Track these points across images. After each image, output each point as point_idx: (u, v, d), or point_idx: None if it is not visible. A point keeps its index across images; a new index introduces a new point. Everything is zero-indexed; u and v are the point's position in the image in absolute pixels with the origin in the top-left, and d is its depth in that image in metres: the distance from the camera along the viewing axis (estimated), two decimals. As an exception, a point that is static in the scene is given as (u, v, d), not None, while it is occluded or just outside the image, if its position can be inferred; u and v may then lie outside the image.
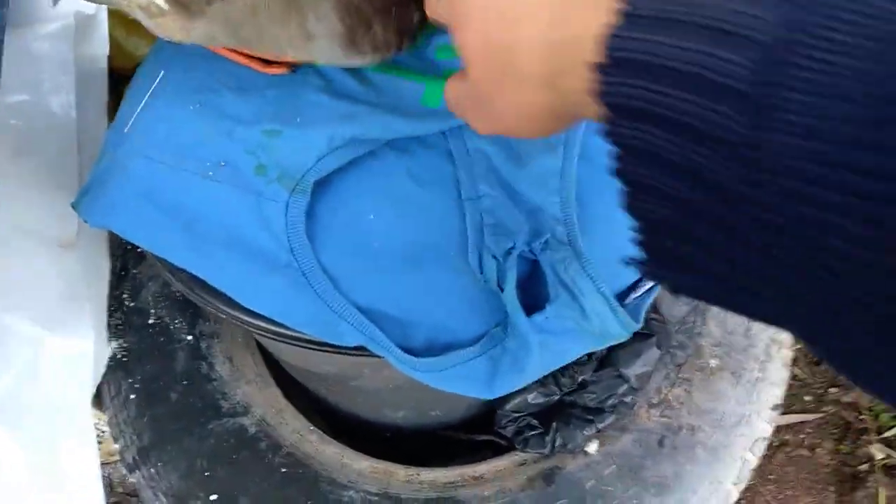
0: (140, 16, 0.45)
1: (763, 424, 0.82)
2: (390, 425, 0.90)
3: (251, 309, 0.52)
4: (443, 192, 0.52)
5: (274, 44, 0.45)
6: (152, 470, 0.80)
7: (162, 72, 0.56)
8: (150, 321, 0.87)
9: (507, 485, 0.79)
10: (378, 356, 0.52)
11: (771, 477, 1.11)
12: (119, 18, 0.85)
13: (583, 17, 0.28)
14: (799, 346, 1.18)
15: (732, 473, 0.80)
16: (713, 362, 0.85)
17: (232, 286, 0.52)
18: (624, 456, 0.80)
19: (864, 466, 1.10)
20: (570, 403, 0.82)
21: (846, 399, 1.15)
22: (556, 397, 0.82)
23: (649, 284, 0.54)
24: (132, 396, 0.83)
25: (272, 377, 0.87)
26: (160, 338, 0.86)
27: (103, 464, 0.77)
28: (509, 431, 0.81)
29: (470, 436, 0.89)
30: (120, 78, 0.83)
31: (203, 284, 0.53)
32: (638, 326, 0.52)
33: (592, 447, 0.80)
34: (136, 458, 0.81)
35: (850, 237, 0.20)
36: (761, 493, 1.10)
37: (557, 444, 0.79)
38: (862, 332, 0.22)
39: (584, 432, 0.79)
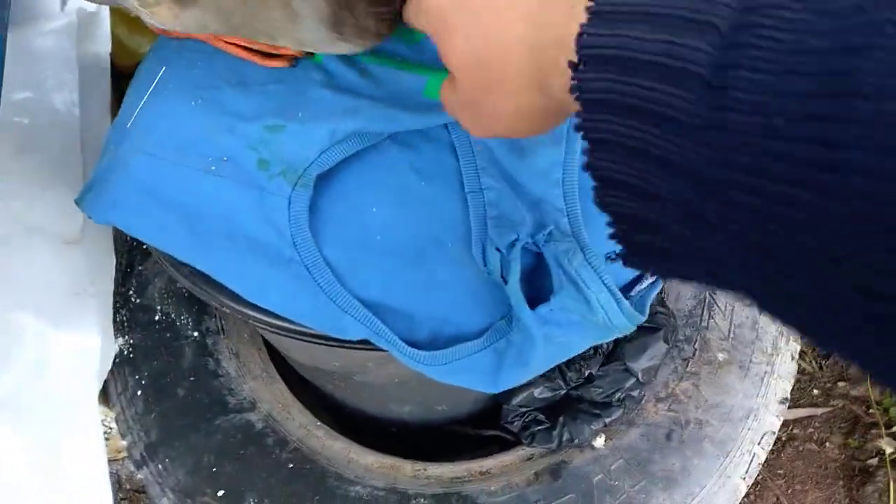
0: (133, 4, 0.46)
1: (771, 418, 0.82)
2: (396, 421, 0.90)
3: (255, 303, 0.52)
4: (445, 185, 0.52)
5: (263, 28, 0.45)
6: (160, 466, 0.81)
7: (163, 68, 0.56)
8: (156, 317, 0.87)
9: (514, 479, 0.79)
10: (382, 350, 0.52)
11: (780, 471, 1.11)
12: (121, 16, 0.85)
13: (562, 19, 0.28)
14: (807, 340, 1.17)
15: (741, 468, 0.80)
16: (720, 356, 0.84)
17: (235, 281, 0.52)
18: (631, 450, 0.79)
19: (874, 461, 1.09)
20: (576, 398, 0.82)
21: (855, 393, 1.15)
22: (563, 392, 0.82)
23: (654, 276, 0.54)
24: (139, 393, 0.84)
25: (278, 373, 0.87)
26: (166, 334, 0.87)
27: (111, 460, 0.77)
28: (516, 426, 0.81)
29: (477, 431, 0.89)
30: (122, 76, 0.83)
31: (208, 280, 0.54)
32: (643, 318, 0.52)
33: (599, 441, 0.80)
34: (144, 454, 0.82)
35: (807, 208, 0.21)
36: (770, 487, 1.09)
37: (564, 438, 0.79)
38: (827, 298, 0.22)
39: (592, 427, 0.79)
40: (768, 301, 0.25)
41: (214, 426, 0.82)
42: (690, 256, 0.26)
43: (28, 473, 0.68)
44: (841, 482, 1.10)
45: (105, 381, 0.83)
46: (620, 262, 0.29)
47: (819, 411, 1.14)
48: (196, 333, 0.87)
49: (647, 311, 0.53)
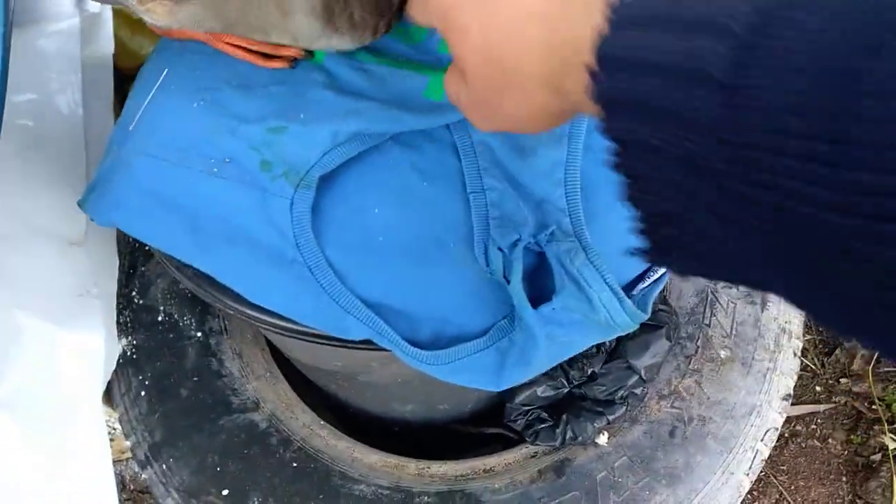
0: (131, 1, 0.46)
1: (774, 415, 0.82)
2: (399, 420, 0.90)
3: (258, 304, 0.53)
4: (447, 186, 0.52)
5: (258, 23, 0.46)
6: (164, 466, 0.81)
7: (165, 70, 0.56)
8: (160, 318, 0.87)
9: (517, 477, 0.79)
10: (385, 350, 0.52)
11: (783, 468, 1.11)
12: (124, 19, 0.85)
13: (578, 20, 0.29)
14: (809, 337, 1.17)
15: (744, 464, 0.80)
16: (723, 353, 0.84)
17: (238, 282, 0.52)
18: (635, 447, 0.79)
19: (877, 456, 1.09)
20: (579, 396, 0.82)
21: (857, 389, 1.15)
22: (566, 390, 0.82)
23: (657, 275, 0.54)
24: (143, 393, 0.84)
25: (282, 373, 0.87)
26: (169, 335, 0.87)
27: (115, 461, 0.77)
28: (519, 425, 0.81)
29: (480, 429, 0.89)
30: (125, 77, 0.84)
31: (210, 281, 0.54)
32: (646, 317, 0.52)
33: (603, 439, 0.80)
34: (148, 454, 0.82)
35: (817, 203, 0.21)
36: (773, 483, 1.09)
37: (568, 436, 0.79)
38: (845, 289, 0.23)
39: (595, 424, 0.79)
40: (790, 292, 0.26)
41: (218, 426, 0.82)
42: (712, 252, 0.27)
43: (33, 474, 0.68)
44: (844, 478, 1.10)
45: (109, 382, 0.83)
46: (641, 258, 0.30)
47: (822, 408, 1.14)
48: (199, 334, 0.87)
49: (650, 310, 0.53)
